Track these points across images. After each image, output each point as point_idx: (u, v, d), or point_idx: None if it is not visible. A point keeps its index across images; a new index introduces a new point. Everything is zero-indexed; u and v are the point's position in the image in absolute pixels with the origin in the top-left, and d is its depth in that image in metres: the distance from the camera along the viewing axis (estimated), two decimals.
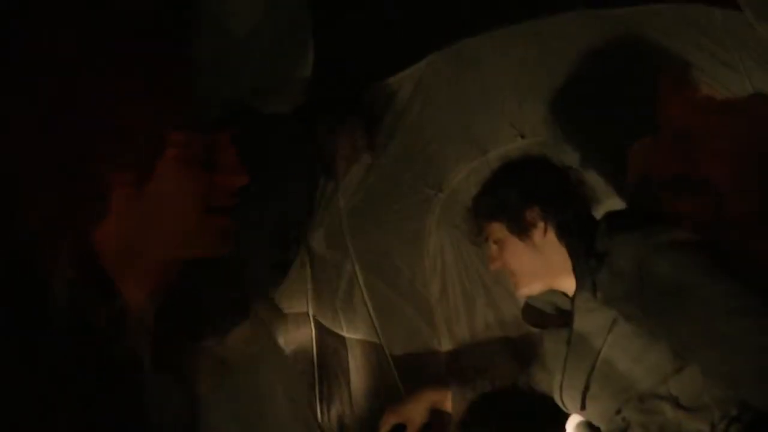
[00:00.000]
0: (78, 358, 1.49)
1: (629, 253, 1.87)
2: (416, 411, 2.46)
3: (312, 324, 2.85)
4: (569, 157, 2.42)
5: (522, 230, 2.06)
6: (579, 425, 2.14)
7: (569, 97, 2.52)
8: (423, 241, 2.82)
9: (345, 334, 2.82)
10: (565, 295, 2.12)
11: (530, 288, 2.12)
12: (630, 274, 1.85)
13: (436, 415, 2.51)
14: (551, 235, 2.05)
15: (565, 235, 2.04)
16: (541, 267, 2.06)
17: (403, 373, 2.76)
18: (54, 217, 1.56)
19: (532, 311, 2.28)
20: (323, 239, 2.85)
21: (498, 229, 2.11)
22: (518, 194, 2.08)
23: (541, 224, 2.06)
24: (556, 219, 2.05)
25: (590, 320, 1.97)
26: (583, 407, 2.02)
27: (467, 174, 2.75)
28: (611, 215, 2.10)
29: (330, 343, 2.81)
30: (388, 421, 2.45)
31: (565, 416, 2.18)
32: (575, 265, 1.99)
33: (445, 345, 2.79)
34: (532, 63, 2.57)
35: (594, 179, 2.41)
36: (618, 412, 1.93)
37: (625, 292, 1.87)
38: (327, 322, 2.83)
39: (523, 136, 2.65)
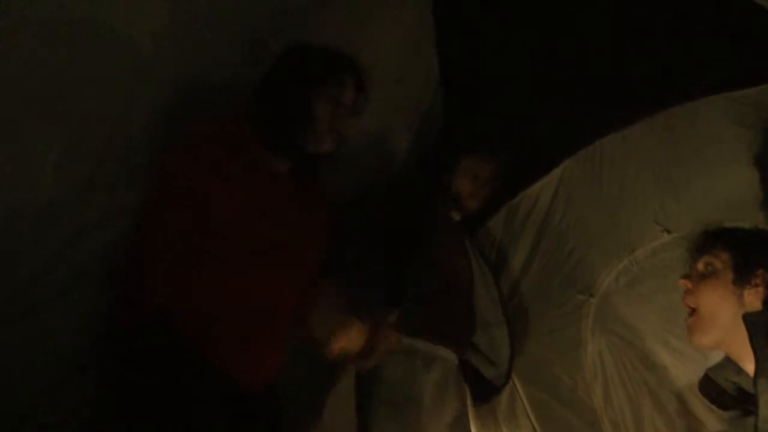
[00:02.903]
0: None
1: None
2: None
3: None
4: None
5: (743, 278, 1.99)
6: None
7: None
8: (580, 348, 2.78)
9: None
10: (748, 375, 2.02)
11: (706, 338, 2.03)
12: None
13: None
14: (757, 304, 2.00)
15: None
16: (728, 323, 1.98)
17: None
18: None
19: (711, 385, 2.17)
20: None
21: (722, 260, 2.05)
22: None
23: (759, 290, 2.00)
24: None
25: None
26: None
27: (617, 275, 2.72)
28: None
29: None
30: None
31: None
32: (752, 339, 1.90)
33: None
34: (668, 154, 2.57)
35: None
36: None
37: None
38: None
39: (668, 232, 2.61)
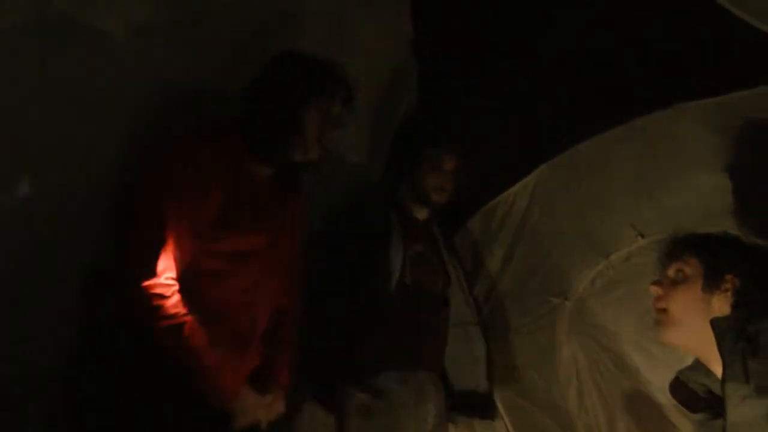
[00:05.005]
0: None
1: None
2: None
3: None
4: None
5: (712, 284, 2.04)
6: None
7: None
8: (555, 351, 2.79)
9: None
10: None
11: (674, 337, 2.08)
12: None
13: None
14: (726, 309, 2.02)
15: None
16: (697, 327, 2.01)
17: None
18: None
19: (682, 388, 2.20)
20: None
21: (692, 266, 2.09)
22: (737, 257, 2.08)
23: (728, 294, 2.03)
24: (742, 300, 2.02)
25: (744, 410, 1.88)
26: None
27: (592, 279, 2.74)
28: (760, 296, 2.05)
29: None
30: None
31: None
32: (719, 343, 1.93)
33: None
34: (643, 160, 2.59)
35: None
36: None
37: None
38: None
39: (643, 236, 2.63)
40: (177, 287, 1.93)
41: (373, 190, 2.84)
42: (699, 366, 2.13)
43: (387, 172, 2.85)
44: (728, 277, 2.04)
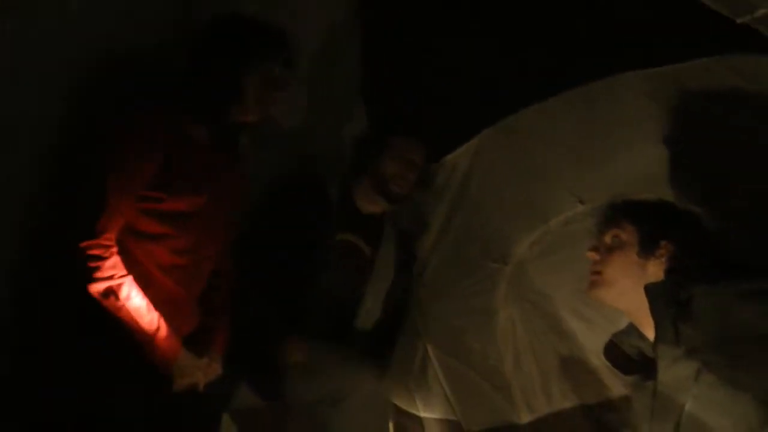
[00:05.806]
0: None
1: (712, 302, 1.87)
2: None
3: None
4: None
5: (647, 249, 2.10)
6: None
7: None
8: (493, 315, 2.80)
9: (421, 414, 2.81)
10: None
11: (606, 296, 2.14)
12: (713, 322, 1.85)
13: None
14: (660, 274, 2.07)
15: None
16: (631, 290, 2.06)
17: None
18: None
19: (615, 351, 2.26)
20: None
21: (628, 232, 2.14)
22: (672, 224, 2.13)
23: (662, 260, 2.09)
24: (676, 266, 2.07)
25: (674, 371, 1.94)
26: None
27: (530, 244, 2.76)
28: (694, 262, 2.10)
29: (406, 423, 2.80)
30: None
31: None
32: (652, 308, 1.98)
33: (524, 418, 2.73)
34: (585, 128, 2.61)
35: None
36: None
37: (708, 341, 1.86)
38: (402, 403, 2.83)
39: (582, 202, 2.66)
40: (115, 248, 1.95)
41: (313, 159, 2.81)
42: (632, 329, 2.18)
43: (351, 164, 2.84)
44: (663, 243, 2.09)
